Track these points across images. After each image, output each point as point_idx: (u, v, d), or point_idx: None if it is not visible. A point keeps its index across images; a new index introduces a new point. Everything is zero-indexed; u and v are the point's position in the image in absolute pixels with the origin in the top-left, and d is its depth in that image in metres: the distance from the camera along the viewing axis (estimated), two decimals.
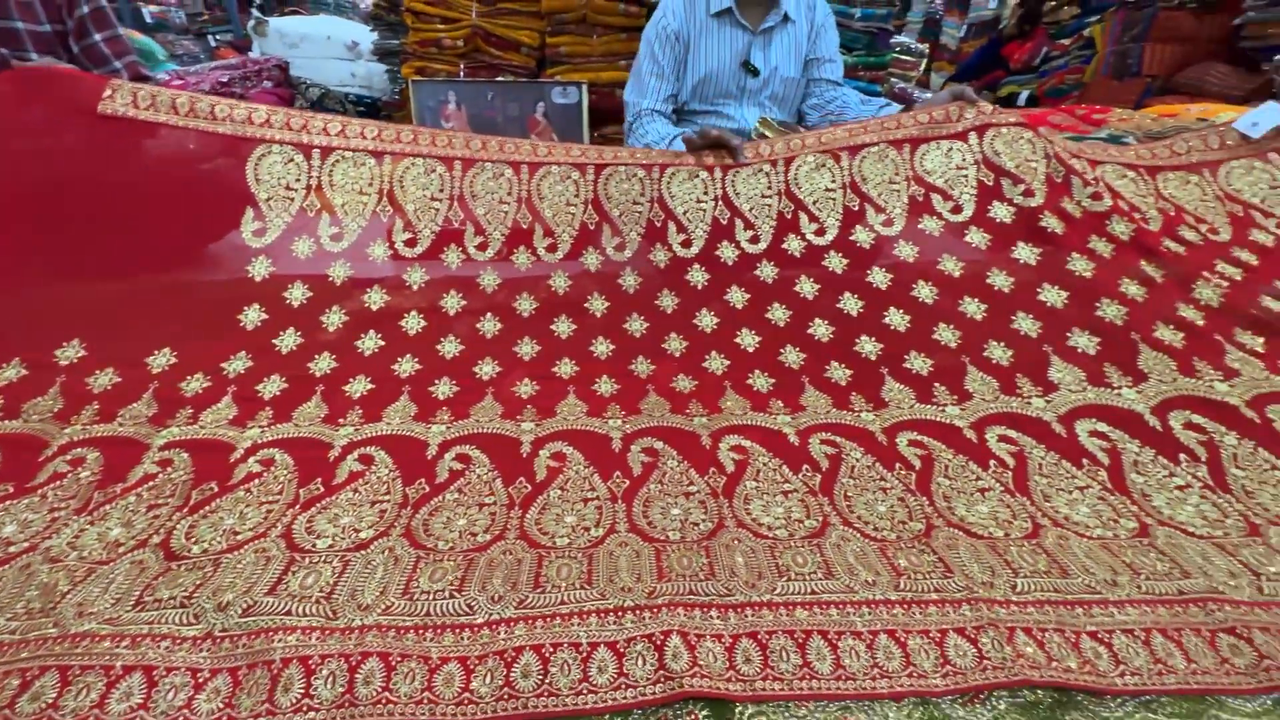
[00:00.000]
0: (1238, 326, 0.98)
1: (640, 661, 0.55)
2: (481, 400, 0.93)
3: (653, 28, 1.44)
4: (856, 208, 1.13)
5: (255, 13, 2.98)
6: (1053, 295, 1.03)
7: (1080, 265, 1.06)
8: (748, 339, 1.02)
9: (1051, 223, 1.10)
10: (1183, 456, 0.80)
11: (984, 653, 0.55)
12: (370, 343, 1.00)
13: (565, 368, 0.98)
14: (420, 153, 1.14)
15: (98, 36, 1.52)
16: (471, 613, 0.59)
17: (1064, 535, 0.69)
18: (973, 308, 1.03)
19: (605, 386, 0.95)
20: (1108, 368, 0.94)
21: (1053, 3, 2.63)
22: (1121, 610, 0.59)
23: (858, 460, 0.81)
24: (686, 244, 1.12)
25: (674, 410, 0.90)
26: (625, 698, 0.52)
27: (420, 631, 0.58)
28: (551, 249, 1.11)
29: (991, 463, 0.81)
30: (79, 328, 0.97)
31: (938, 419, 0.88)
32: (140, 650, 0.56)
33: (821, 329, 1.02)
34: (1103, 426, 0.85)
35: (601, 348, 1.00)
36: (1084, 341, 0.97)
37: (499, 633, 0.57)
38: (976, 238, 1.10)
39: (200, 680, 0.54)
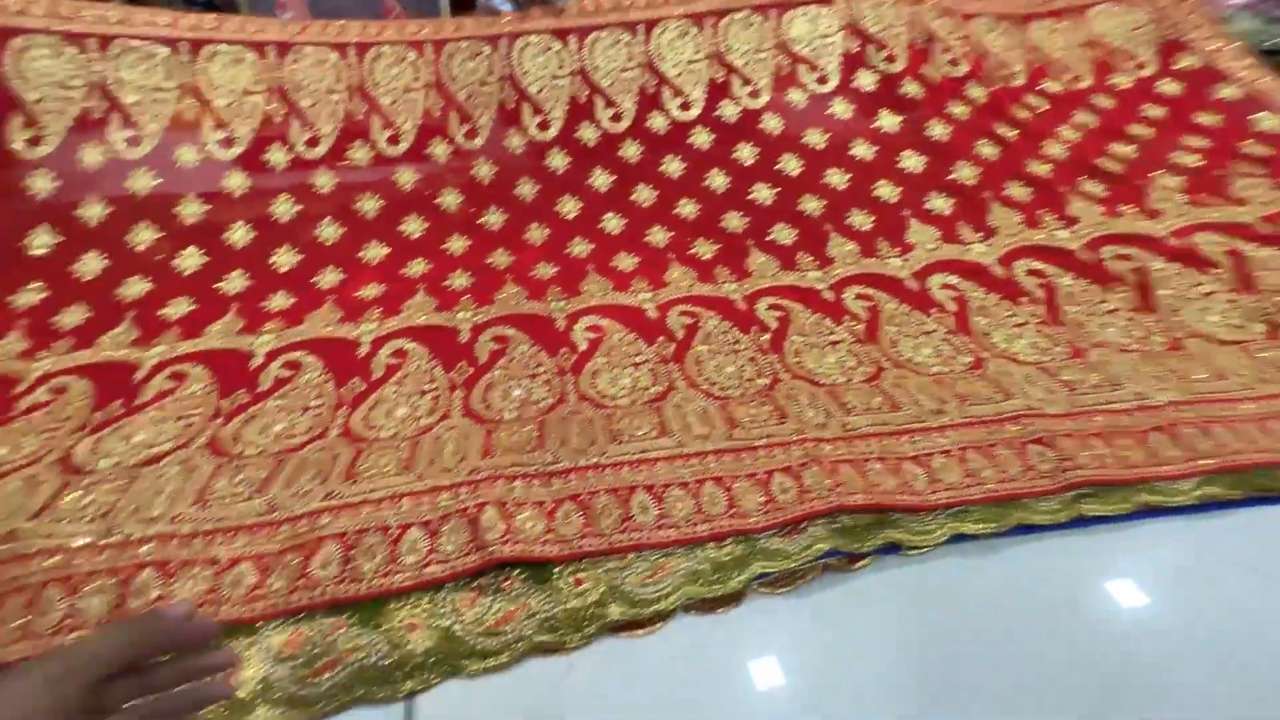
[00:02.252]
0: (1083, 176, 1.00)
1: (452, 537, 0.52)
2: (319, 308, 0.84)
3: None
4: (722, 80, 1.07)
5: None
6: (912, 161, 1.02)
7: (938, 130, 1.05)
8: (612, 222, 0.96)
9: (912, 89, 1.08)
10: (1023, 299, 0.83)
11: (805, 487, 0.55)
12: (191, 260, 0.89)
13: (416, 267, 0.90)
14: (224, 38, 0.99)
15: None
16: (271, 511, 0.54)
17: (903, 375, 0.70)
18: (836, 178, 1.01)
19: (459, 281, 0.88)
20: (960, 226, 0.95)
21: None
22: (942, 434, 0.60)
23: (714, 327, 0.80)
24: (544, 126, 1.03)
25: (531, 297, 0.85)
26: (435, 573, 0.50)
27: (208, 536, 0.53)
28: (393, 141, 1.01)
29: (845, 318, 0.81)
30: None
31: (799, 284, 0.88)
32: None
33: (688, 207, 0.98)
34: (952, 279, 0.87)
35: (456, 244, 0.93)
36: (940, 203, 0.98)
37: (300, 527, 0.53)
38: (841, 108, 1.07)
39: None
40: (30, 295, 0.83)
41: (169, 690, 0.31)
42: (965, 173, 1.00)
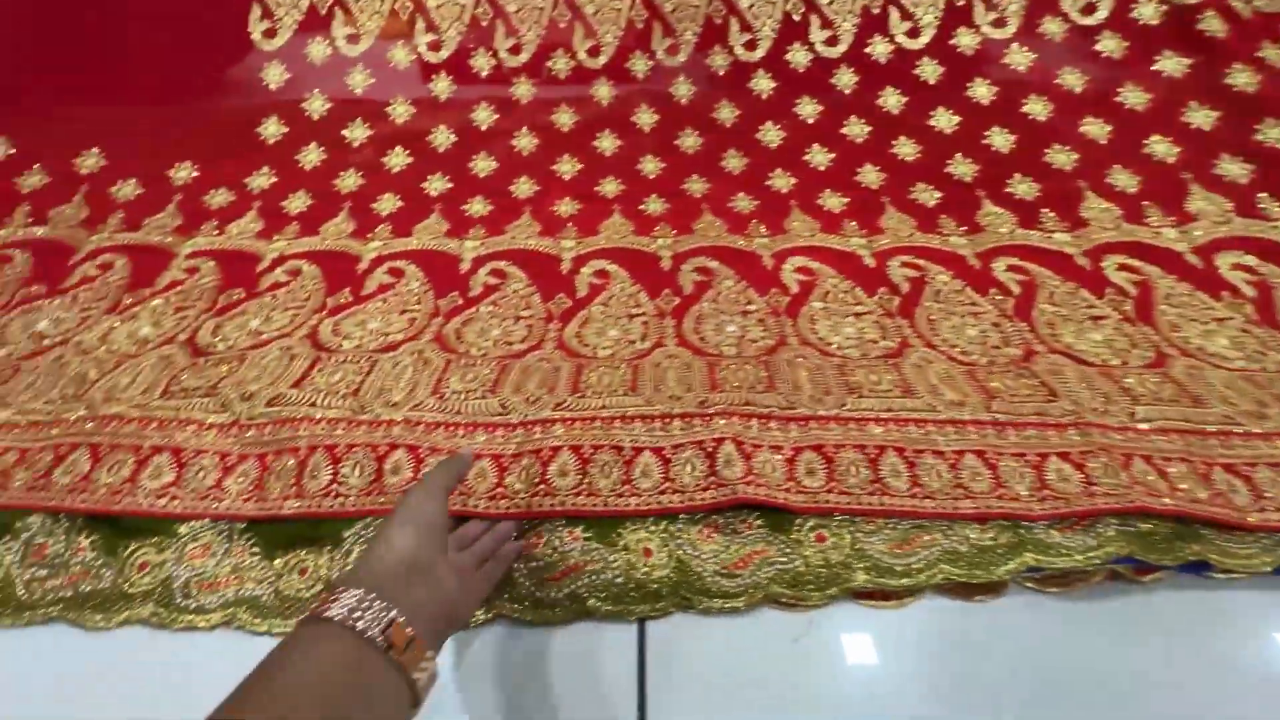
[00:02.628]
0: None
1: (689, 468, 0.49)
2: (518, 219, 0.84)
3: None
4: (962, 4, 0.93)
5: None
6: (1200, 115, 0.84)
7: (1242, 79, 0.85)
8: (819, 156, 0.88)
9: (1212, 25, 0.88)
10: None
11: (1091, 479, 0.47)
12: (398, 159, 0.91)
13: (610, 186, 0.87)
14: None
15: None
16: (505, 412, 0.54)
17: (1196, 365, 0.59)
18: (1096, 128, 0.85)
19: (654, 206, 0.84)
20: (1262, 198, 0.77)
21: None
22: (1269, 442, 0.49)
23: (945, 284, 0.71)
24: (751, 45, 0.95)
25: (731, 231, 0.80)
26: (672, 501, 0.47)
27: (450, 428, 0.53)
28: (594, 53, 0.96)
29: (1108, 290, 0.69)
30: (96, 138, 0.92)
31: (1044, 245, 0.76)
32: (167, 433, 0.54)
33: (907, 147, 0.87)
34: (1249, 259, 0.71)
35: (650, 165, 0.88)
36: (1234, 169, 0.80)
37: (534, 432, 0.52)
38: (1110, 45, 0.90)
39: (229, 464, 0.52)
40: (262, 179, 0.88)
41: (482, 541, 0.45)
42: (1274, 133, 0.81)
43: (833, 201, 0.83)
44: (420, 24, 0.97)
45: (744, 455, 0.49)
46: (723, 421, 0.51)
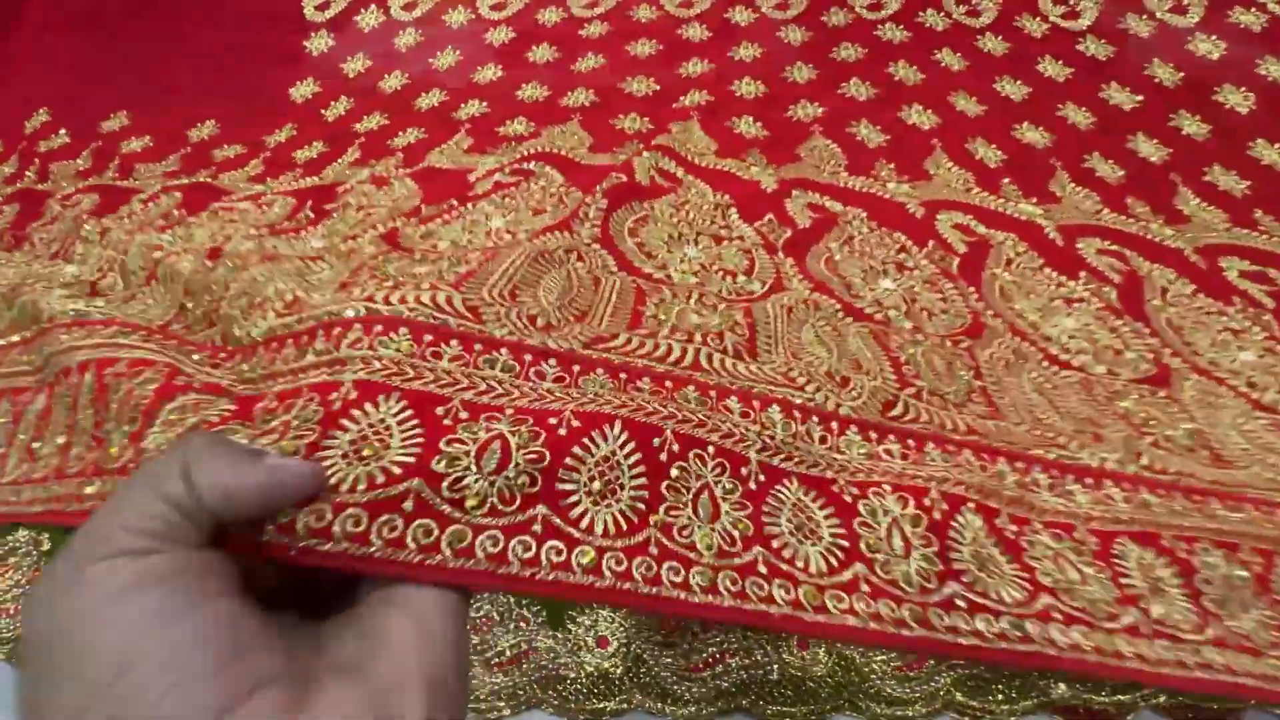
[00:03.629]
0: None
1: (895, 539, 0.24)
2: (564, 124, 0.67)
3: None
4: None
5: None
6: None
7: None
8: (966, 103, 0.69)
9: None
10: None
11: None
12: (431, 99, 0.76)
13: (692, 98, 0.69)
14: None
15: None
16: (477, 318, 0.29)
17: None
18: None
19: (747, 126, 0.66)
20: None
21: None
22: None
23: (1169, 283, 0.50)
24: (876, 7, 0.80)
25: (852, 168, 0.60)
26: (866, 623, 0.24)
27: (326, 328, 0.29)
28: (686, 4, 0.82)
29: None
30: (128, 101, 0.84)
31: (1276, 250, 0.56)
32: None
33: (1077, 114, 0.69)
34: None
35: (747, 88, 0.71)
36: None
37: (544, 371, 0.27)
38: None
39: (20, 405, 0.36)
40: (281, 135, 0.75)
41: None
42: None
43: (987, 153, 0.65)
44: None
45: (1004, 541, 0.25)
46: (939, 456, 0.27)
